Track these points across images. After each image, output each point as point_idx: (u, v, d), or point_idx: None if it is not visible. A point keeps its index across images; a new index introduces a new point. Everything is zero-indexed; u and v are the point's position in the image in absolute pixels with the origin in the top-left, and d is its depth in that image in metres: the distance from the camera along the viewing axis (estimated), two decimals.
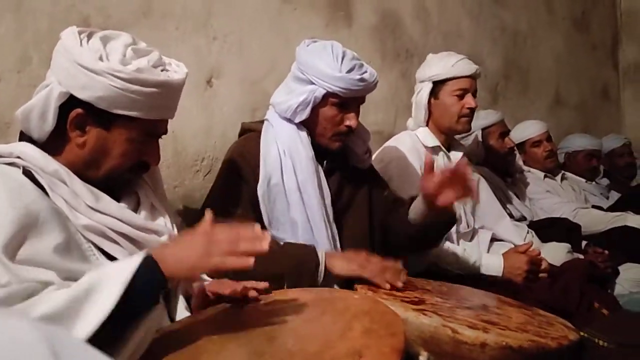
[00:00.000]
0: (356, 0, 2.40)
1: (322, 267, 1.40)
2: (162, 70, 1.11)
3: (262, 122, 1.62)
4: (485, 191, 2.21)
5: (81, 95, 1.03)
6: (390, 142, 2.09)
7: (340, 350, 0.85)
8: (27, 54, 1.42)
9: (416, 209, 1.56)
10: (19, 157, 1.03)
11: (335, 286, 1.46)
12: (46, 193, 1.01)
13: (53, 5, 1.46)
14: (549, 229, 2.40)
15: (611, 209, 2.85)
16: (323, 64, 1.51)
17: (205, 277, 1.27)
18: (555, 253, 2.10)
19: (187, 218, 1.45)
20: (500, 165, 2.58)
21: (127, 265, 0.86)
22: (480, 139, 2.53)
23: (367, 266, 1.37)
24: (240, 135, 1.68)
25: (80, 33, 1.07)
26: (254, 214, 1.50)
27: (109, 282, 0.83)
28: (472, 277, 1.84)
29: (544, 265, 1.86)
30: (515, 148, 2.69)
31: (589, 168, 3.20)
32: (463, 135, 2.26)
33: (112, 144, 1.09)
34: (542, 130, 2.92)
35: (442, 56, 2.07)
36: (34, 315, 0.81)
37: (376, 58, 2.49)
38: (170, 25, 1.73)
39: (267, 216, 1.51)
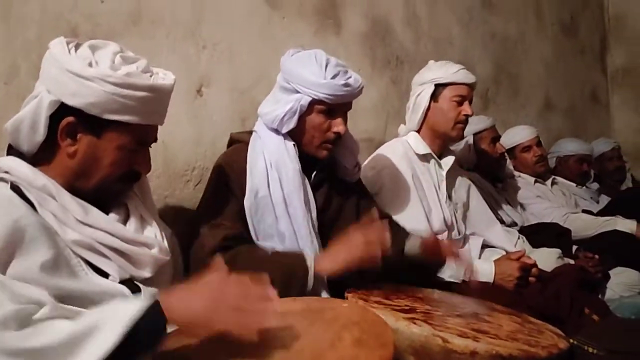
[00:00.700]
0: (345, 8, 2.40)
1: (311, 274, 1.40)
2: (150, 76, 1.11)
3: (250, 132, 1.62)
4: (476, 197, 2.22)
5: (72, 102, 1.03)
6: (381, 150, 2.09)
7: None
8: (15, 63, 1.41)
9: (412, 250, 1.58)
10: (6, 172, 1.03)
11: (325, 292, 1.46)
12: (34, 208, 1.01)
13: (41, 14, 1.46)
14: (540, 234, 2.41)
15: (601, 213, 2.86)
16: (307, 72, 1.52)
17: None
18: (546, 258, 2.10)
19: (178, 228, 1.44)
20: (491, 171, 2.60)
21: (132, 307, 0.85)
22: (471, 144, 2.54)
23: (352, 250, 1.38)
24: (228, 145, 1.68)
25: (68, 43, 1.07)
26: (243, 225, 1.50)
27: (111, 323, 0.82)
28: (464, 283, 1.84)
29: (535, 271, 1.87)
30: (505, 153, 2.71)
31: (580, 172, 3.22)
32: None
33: (102, 153, 1.08)
34: (531, 136, 2.93)
35: (443, 63, 2.11)
36: (34, 346, 0.80)
37: (366, 65, 2.50)
38: (160, 34, 1.72)
39: (253, 228, 1.51)
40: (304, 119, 1.54)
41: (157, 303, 0.87)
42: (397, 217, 1.82)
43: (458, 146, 2.50)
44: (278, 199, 1.51)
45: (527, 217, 2.70)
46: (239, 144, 1.62)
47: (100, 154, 1.08)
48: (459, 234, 2.04)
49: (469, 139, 2.53)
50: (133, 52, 1.15)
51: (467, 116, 2.04)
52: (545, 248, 2.23)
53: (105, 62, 1.06)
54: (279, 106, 1.55)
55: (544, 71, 3.85)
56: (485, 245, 2.13)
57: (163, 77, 1.15)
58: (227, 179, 1.53)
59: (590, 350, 1.26)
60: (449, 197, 2.08)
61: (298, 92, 1.52)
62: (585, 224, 2.69)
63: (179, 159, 1.74)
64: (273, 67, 1.81)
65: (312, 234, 1.52)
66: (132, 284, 1.08)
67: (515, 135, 2.95)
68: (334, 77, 1.52)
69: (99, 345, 0.80)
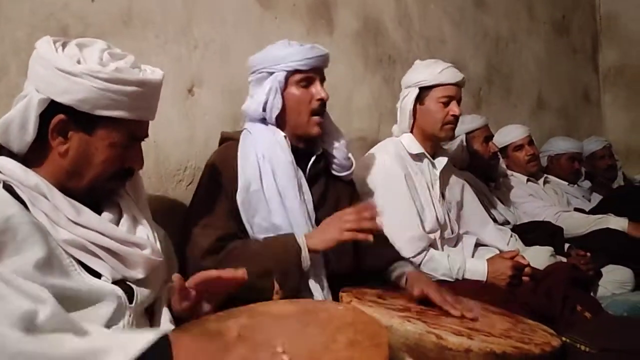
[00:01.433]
0: (337, 7, 2.40)
1: (305, 253, 1.41)
2: (139, 72, 1.12)
3: (241, 131, 1.63)
4: (469, 197, 2.22)
5: (62, 99, 1.03)
6: (374, 150, 2.09)
7: None
8: (4, 62, 1.39)
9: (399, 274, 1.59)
10: None
11: (324, 279, 1.48)
12: (27, 207, 1.00)
13: (31, 14, 1.44)
14: (532, 232, 2.42)
15: (593, 211, 2.88)
16: (274, 50, 1.60)
17: None
18: (539, 256, 2.11)
19: (170, 229, 1.43)
20: (484, 170, 2.60)
21: (142, 338, 0.82)
22: (464, 143, 2.55)
23: (342, 224, 1.41)
24: (220, 144, 1.68)
25: (55, 42, 1.07)
26: (235, 224, 1.50)
27: (118, 351, 0.79)
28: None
29: (527, 270, 1.87)
30: (498, 152, 2.71)
31: (572, 171, 3.23)
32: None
33: (94, 150, 1.08)
34: (524, 135, 2.95)
35: (428, 63, 2.09)
36: (39, 352, 0.77)
37: (359, 64, 2.50)
38: (151, 34, 1.71)
39: (248, 223, 1.51)
40: (285, 99, 1.58)
41: (167, 338, 0.84)
42: (389, 217, 1.81)
43: (451, 145, 2.50)
44: (272, 192, 1.51)
45: (519, 215, 2.71)
46: (230, 141, 1.63)
47: (92, 151, 1.08)
48: (452, 232, 2.04)
49: (462, 138, 2.54)
50: (124, 52, 1.15)
51: (455, 116, 2.02)
52: (537, 246, 2.24)
53: (93, 59, 1.06)
54: (258, 96, 1.59)
55: (536, 70, 3.87)
56: (478, 244, 2.14)
57: (151, 72, 1.15)
58: (218, 177, 1.53)
59: (583, 347, 1.26)
60: (443, 196, 2.08)
61: (271, 73, 1.57)
62: (577, 222, 2.70)
63: (170, 159, 1.73)
64: None
65: (309, 226, 1.52)
66: (124, 285, 1.08)
67: (508, 135, 2.96)
68: (300, 46, 1.59)
69: None
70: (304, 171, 1.60)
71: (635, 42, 4.43)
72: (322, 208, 1.61)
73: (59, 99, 1.03)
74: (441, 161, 2.10)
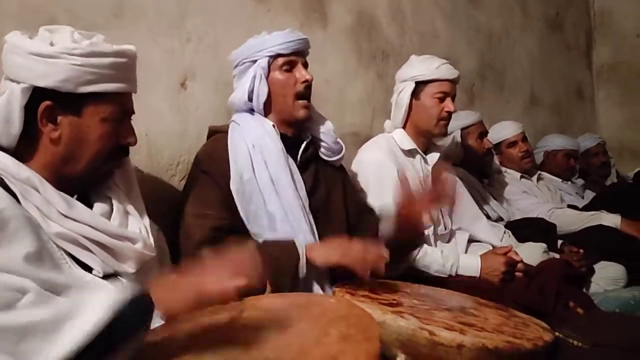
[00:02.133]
0: (331, 2, 2.39)
1: (302, 261, 1.40)
2: (112, 45, 1.13)
3: (229, 124, 1.63)
4: (462, 193, 2.22)
5: (44, 83, 1.03)
6: (366, 146, 2.09)
7: (315, 356, 0.85)
8: None
9: (387, 227, 1.58)
10: None
11: (315, 283, 1.46)
12: (18, 201, 1.00)
13: (20, 7, 1.43)
14: (525, 229, 2.43)
15: (586, 208, 2.88)
16: (253, 41, 1.63)
17: None
18: (532, 253, 2.11)
19: (163, 223, 1.42)
20: (478, 166, 2.60)
21: (119, 291, 0.84)
22: (459, 139, 2.54)
23: (349, 253, 1.37)
24: (208, 138, 1.68)
25: (22, 34, 1.09)
26: (228, 215, 1.49)
27: (98, 300, 0.81)
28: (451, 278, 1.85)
29: (520, 266, 1.88)
30: (492, 149, 2.71)
31: (567, 168, 3.24)
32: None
33: (87, 129, 1.08)
34: (517, 131, 2.95)
35: (425, 58, 2.09)
36: (15, 324, 0.79)
37: (352, 59, 2.49)
38: (143, 27, 1.70)
39: (243, 213, 1.50)
40: (270, 84, 1.60)
41: (144, 289, 0.87)
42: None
43: (445, 141, 2.50)
44: (265, 181, 1.51)
45: (513, 212, 2.71)
46: (218, 134, 1.63)
47: (84, 131, 1.08)
48: (445, 228, 2.04)
49: (457, 134, 2.54)
50: (115, 45, 1.15)
51: (449, 113, 2.03)
52: (530, 242, 2.25)
53: (65, 39, 1.07)
54: (243, 85, 1.61)
55: (530, 66, 3.87)
56: (471, 240, 2.14)
57: (125, 46, 1.16)
58: (209, 169, 1.53)
59: (575, 343, 1.26)
60: None
61: (254, 62, 1.59)
62: (570, 219, 2.71)
63: (163, 154, 1.72)
64: None
65: (304, 213, 1.52)
66: (115, 280, 1.07)
67: (501, 131, 2.97)
68: (279, 32, 1.61)
69: (87, 320, 0.79)
70: (294, 159, 1.60)
71: (629, 38, 4.44)
72: (315, 194, 1.61)
73: (40, 84, 1.03)
74: (433, 157, 2.10)
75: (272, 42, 1.59)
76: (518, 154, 2.92)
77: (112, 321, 0.79)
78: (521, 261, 1.88)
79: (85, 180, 1.12)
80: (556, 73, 4.15)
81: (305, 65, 1.65)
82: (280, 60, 1.59)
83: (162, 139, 1.72)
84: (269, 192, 1.51)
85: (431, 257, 1.86)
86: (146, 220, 1.20)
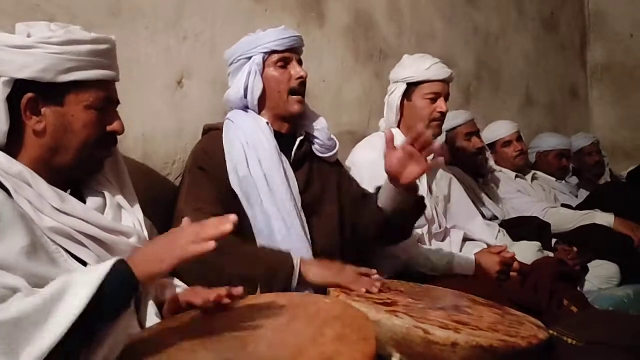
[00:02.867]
0: (328, 1, 2.39)
1: (296, 273, 1.40)
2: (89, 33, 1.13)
3: (224, 122, 1.64)
4: (457, 191, 2.23)
5: (23, 74, 1.03)
6: (361, 144, 2.09)
7: (311, 356, 0.85)
8: None
9: (384, 194, 1.59)
10: None
11: (309, 291, 1.46)
12: (10, 196, 0.99)
13: (16, 6, 1.43)
14: (520, 228, 2.44)
15: (580, 207, 2.89)
16: (248, 39, 1.64)
17: (178, 283, 1.26)
18: (526, 252, 2.13)
19: (158, 222, 1.42)
20: (470, 166, 2.60)
21: (98, 268, 0.85)
22: (444, 139, 2.54)
23: (342, 274, 1.37)
24: (203, 135, 1.69)
25: None
26: (223, 210, 1.49)
27: (78, 285, 0.82)
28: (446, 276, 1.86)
29: (515, 265, 1.89)
30: (485, 148, 2.72)
31: (560, 167, 3.25)
32: None
33: (71, 119, 1.08)
34: (512, 131, 2.96)
35: (416, 58, 2.08)
36: (6, 317, 0.79)
37: (349, 59, 2.49)
38: (140, 25, 1.70)
39: (248, 208, 1.52)
40: (265, 81, 1.61)
41: (122, 260, 0.88)
42: None
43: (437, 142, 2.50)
44: (259, 177, 1.52)
45: (507, 211, 2.72)
46: (213, 131, 1.64)
47: (69, 120, 1.08)
48: (440, 227, 2.05)
49: (441, 136, 2.54)
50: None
51: (442, 113, 2.02)
52: (525, 241, 2.26)
53: (42, 30, 1.08)
54: (238, 81, 1.62)
55: (525, 66, 3.88)
56: (466, 239, 2.14)
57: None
58: (203, 165, 1.54)
59: (570, 341, 1.27)
60: (430, 191, 2.09)
61: (249, 58, 1.60)
62: (564, 218, 2.72)
63: (159, 152, 1.72)
64: None
65: (297, 211, 1.53)
66: None
67: (496, 131, 2.97)
68: (273, 29, 1.62)
69: (69, 309, 0.80)
70: (288, 156, 1.61)
71: (623, 39, 4.45)
72: (308, 191, 1.62)
73: (20, 75, 1.03)
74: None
75: (267, 39, 1.60)
76: (512, 154, 2.93)
77: (96, 299, 0.80)
78: (516, 260, 1.89)
79: (76, 171, 1.12)
80: (551, 73, 4.16)
81: (300, 62, 1.65)
82: (275, 57, 1.61)
83: (158, 137, 1.72)
84: (264, 190, 1.52)
85: (426, 256, 1.86)
86: (140, 214, 1.20)
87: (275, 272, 1.39)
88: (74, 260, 1.03)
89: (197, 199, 1.48)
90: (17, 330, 0.79)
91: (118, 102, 1.20)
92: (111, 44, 1.15)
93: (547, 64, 4.12)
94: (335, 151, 1.73)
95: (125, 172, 1.25)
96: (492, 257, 1.86)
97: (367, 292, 1.31)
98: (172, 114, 1.77)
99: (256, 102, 1.61)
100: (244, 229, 1.49)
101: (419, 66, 2.03)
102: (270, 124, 1.61)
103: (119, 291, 0.85)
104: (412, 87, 2.03)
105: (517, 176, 2.95)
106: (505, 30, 3.70)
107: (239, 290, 1.05)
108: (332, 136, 1.74)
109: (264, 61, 1.61)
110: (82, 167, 1.12)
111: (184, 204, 1.49)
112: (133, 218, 1.17)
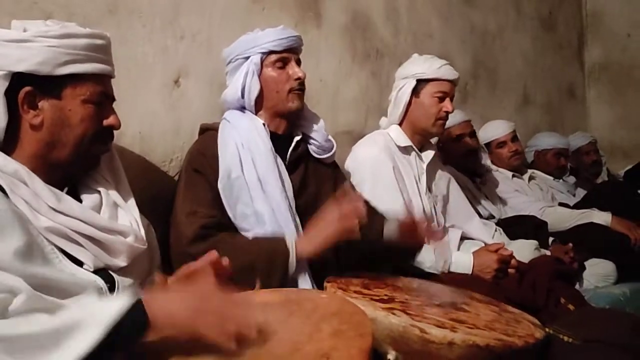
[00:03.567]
0: (325, 1, 2.39)
1: (292, 258, 1.41)
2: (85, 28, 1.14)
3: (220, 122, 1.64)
4: (455, 191, 2.24)
5: (21, 67, 1.03)
6: (362, 141, 2.10)
7: (308, 352, 0.85)
8: None
9: (389, 233, 1.59)
10: None
11: (307, 275, 1.47)
12: (6, 195, 0.99)
13: (14, 2, 1.42)
14: (517, 226, 2.44)
15: (577, 206, 2.90)
16: (246, 38, 1.63)
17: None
18: (523, 250, 2.13)
19: (155, 221, 1.42)
20: (463, 166, 2.60)
21: (115, 306, 0.83)
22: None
23: (328, 227, 1.40)
24: (199, 135, 1.69)
25: None
26: (219, 212, 1.50)
27: (90, 325, 0.81)
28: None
29: (513, 263, 1.89)
30: (482, 148, 2.72)
31: (558, 166, 3.26)
32: None
33: (68, 112, 1.09)
34: (507, 131, 2.95)
35: (427, 58, 2.11)
36: (13, 333, 0.79)
37: (346, 58, 2.49)
38: (137, 23, 1.69)
39: (230, 210, 1.51)
40: (262, 81, 1.60)
41: (140, 302, 0.86)
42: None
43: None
44: (252, 179, 1.51)
45: (504, 210, 2.73)
46: (209, 131, 1.64)
47: (67, 114, 1.09)
48: (439, 226, 2.05)
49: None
50: None
51: (447, 113, 2.05)
52: (522, 239, 2.26)
53: (38, 25, 1.09)
54: (235, 81, 1.61)
55: (523, 66, 3.89)
56: (464, 238, 2.15)
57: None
58: (199, 166, 1.53)
59: (566, 339, 1.27)
60: (429, 189, 2.10)
61: (246, 58, 1.60)
62: (561, 217, 2.72)
63: (156, 151, 1.72)
64: None
65: (291, 213, 1.53)
66: (106, 274, 1.07)
67: (491, 131, 2.97)
68: (272, 29, 1.62)
69: (80, 342, 0.79)
70: (284, 157, 1.61)
71: (620, 38, 4.47)
72: (303, 193, 1.61)
73: (17, 68, 1.03)
74: (428, 154, 2.11)
75: (265, 39, 1.59)
76: (507, 154, 2.93)
77: (108, 336, 0.80)
78: (511, 254, 1.89)
79: (73, 167, 1.12)
80: (549, 72, 4.17)
81: (299, 62, 1.65)
82: (273, 57, 1.60)
83: (155, 137, 1.72)
84: (257, 192, 1.51)
85: (424, 254, 1.87)
86: (136, 213, 1.20)
87: (272, 260, 1.40)
88: (68, 261, 1.03)
89: (193, 202, 1.48)
90: (22, 347, 0.79)
91: (114, 99, 1.20)
92: (106, 39, 1.16)
93: (545, 63, 4.13)
94: (332, 152, 1.73)
95: (120, 169, 1.25)
96: (490, 255, 1.87)
97: (362, 285, 1.31)
98: (169, 112, 1.77)
99: (253, 103, 1.61)
100: (229, 229, 1.50)
101: (430, 64, 2.06)
102: (266, 125, 1.60)
103: (131, 335, 0.84)
104: (421, 83, 2.05)
105: (514, 175, 2.95)
106: (502, 29, 3.70)
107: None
108: (330, 137, 1.74)
109: (262, 61, 1.60)
110: (79, 162, 1.12)
111: (179, 206, 1.48)
112: (129, 217, 1.17)
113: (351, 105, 2.50)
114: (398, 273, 1.60)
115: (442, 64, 2.06)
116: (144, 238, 1.16)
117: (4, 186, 0.99)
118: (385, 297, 1.29)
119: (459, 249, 2.07)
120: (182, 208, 1.47)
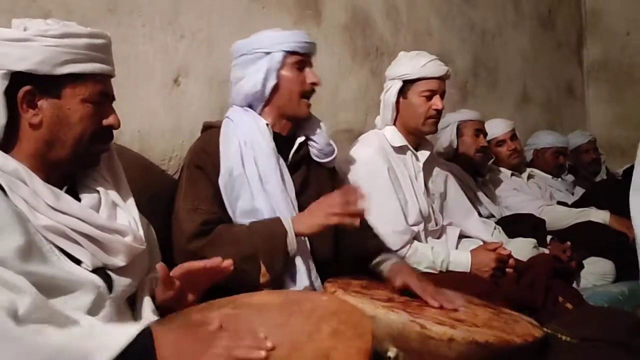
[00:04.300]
0: None
1: (291, 236, 1.42)
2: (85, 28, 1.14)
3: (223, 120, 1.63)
4: (453, 188, 2.23)
5: (20, 66, 1.03)
6: (356, 143, 2.08)
7: (307, 352, 0.85)
8: None
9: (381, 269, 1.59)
10: None
11: (311, 262, 1.50)
12: (5, 194, 0.99)
13: (13, 2, 1.42)
14: (516, 225, 2.45)
15: (575, 204, 2.91)
16: (269, 32, 1.62)
17: None
18: (522, 248, 2.13)
19: (155, 220, 1.42)
20: (470, 163, 2.61)
21: (122, 333, 0.84)
22: (454, 131, 2.58)
23: (330, 209, 1.43)
24: (202, 133, 1.68)
25: None
26: (220, 209, 1.50)
27: (98, 350, 0.81)
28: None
29: (511, 262, 1.89)
30: (487, 148, 2.73)
31: (557, 165, 3.27)
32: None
33: (67, 112, 1.09)
34: (506, 130, 2.96)
35: (412, 55, 2.07)
36: (29, 342, 0.79)
37: (346, 56, 2.49)
38: (137, 22, 1.69)
39: (230, 208, 1.51)
40: (279, 80, 1.60)
41: (149, 334, 0.86)
42: (373, 211, 1.81)
43: (444, 132, 2.56)
44: (253, 176, 1.52)
45: (502, 209, 2.73)
46: (212, 129, 1.64)
47: (66, 113, 1.09)
48: (436, 225, 2.05)
49: (453, 126, 2.58)
50: None
51: (437, 110, 2.01)
52: (520, 238, 2.26)
53: (38, 24, 1.08)
54: (252, 75, 1.59)
55: (522, 64, 3.89)
56: (462, 236, 2.15)
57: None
58: (201, 163, 1.53)
59: (564, 337, 1.28)
60: (426, 188, 2.09)
61: (267, 53, 1.58)
62: (560, 216, 2.73)
63: (155, 150, 1.72)
64: None
65: (291, 213, 1.53)
66: (104, 274, 1.07)
67: (490, 130, 2.95)
68: (294, 31, 1.63)
69: None
70: (286, 158, 1.61)
71: (619, 37, 4.47)
72: (304, 195, 1.61)
73: (17, 67, 1.03)
74: (424, 153, 2.10)
75: (291, 39, 1.59)
76: (506, 152, 2.94)
77: None
78: (509, 253, 1.90)
79: (72, 166, 1.12)
80: (547, 71, 4.18)
81: (312, 70, 1.66)
82: (294, 58, 1.59)
83: (154, 136, 1.72)
84: (257, 189, 1.51)
85: (421, 253, 1.87)
86: (135, 213, 1.20)
87: (271, 243, 1.41)
88: (66, 259, 1.03)
89: (194, 198, 1.48)
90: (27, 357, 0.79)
91: (113, 98, 1.20)
92: (107, 39, 1.16)
93: (544, 62, 4.13)
94: (332, 157, 1.73)
95: (120, 168, 1.24)
96: (488, 254, 1.87)
97: (362, 286, 1.33)
98: (169, 111, 1.76)
99: (266, 98, 1.60)
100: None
101: (415, 63, 2.02)
102: (269, 125, 1.60)
103: None
104: (407, 84, 2.02)
105: (512, 174, 2.96)
106: (501, 27, 3.70)
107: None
108: (331, 141, 1.73)
109: (283, 59, 1.59)
110: (78, 161, 1.12)
111: (181, 202, 1.49)
112: (128, 216, 1.17)
113: (351, 103, 2.50)
114: None
115: (428, 61, 2.01)
116: (143, 238, 1.16)
117: (3, 185, 0.99)
118: (385, 297, 1.29)
119: (457, 247, 2.07)
120: (183, 204, 1.47)
